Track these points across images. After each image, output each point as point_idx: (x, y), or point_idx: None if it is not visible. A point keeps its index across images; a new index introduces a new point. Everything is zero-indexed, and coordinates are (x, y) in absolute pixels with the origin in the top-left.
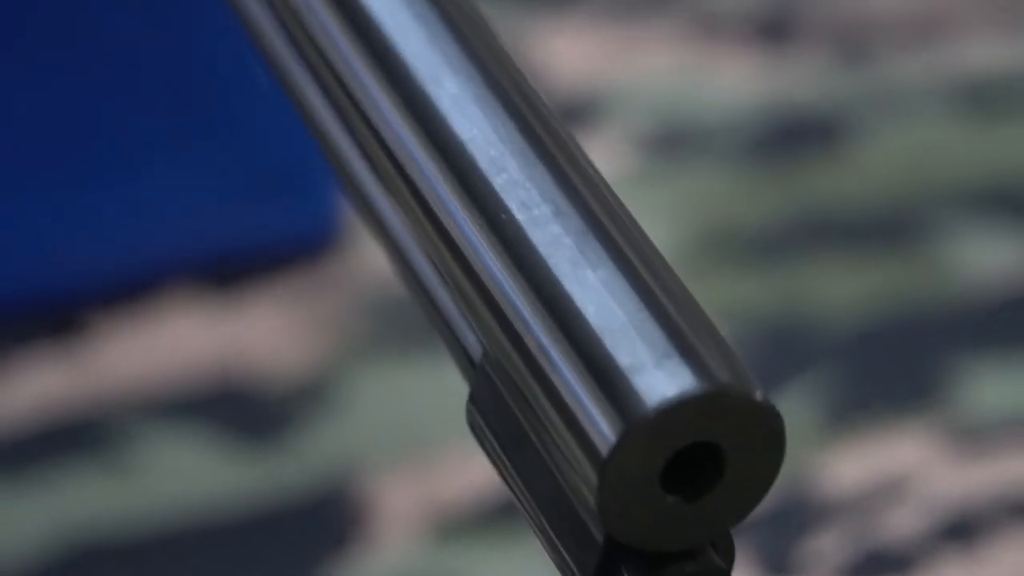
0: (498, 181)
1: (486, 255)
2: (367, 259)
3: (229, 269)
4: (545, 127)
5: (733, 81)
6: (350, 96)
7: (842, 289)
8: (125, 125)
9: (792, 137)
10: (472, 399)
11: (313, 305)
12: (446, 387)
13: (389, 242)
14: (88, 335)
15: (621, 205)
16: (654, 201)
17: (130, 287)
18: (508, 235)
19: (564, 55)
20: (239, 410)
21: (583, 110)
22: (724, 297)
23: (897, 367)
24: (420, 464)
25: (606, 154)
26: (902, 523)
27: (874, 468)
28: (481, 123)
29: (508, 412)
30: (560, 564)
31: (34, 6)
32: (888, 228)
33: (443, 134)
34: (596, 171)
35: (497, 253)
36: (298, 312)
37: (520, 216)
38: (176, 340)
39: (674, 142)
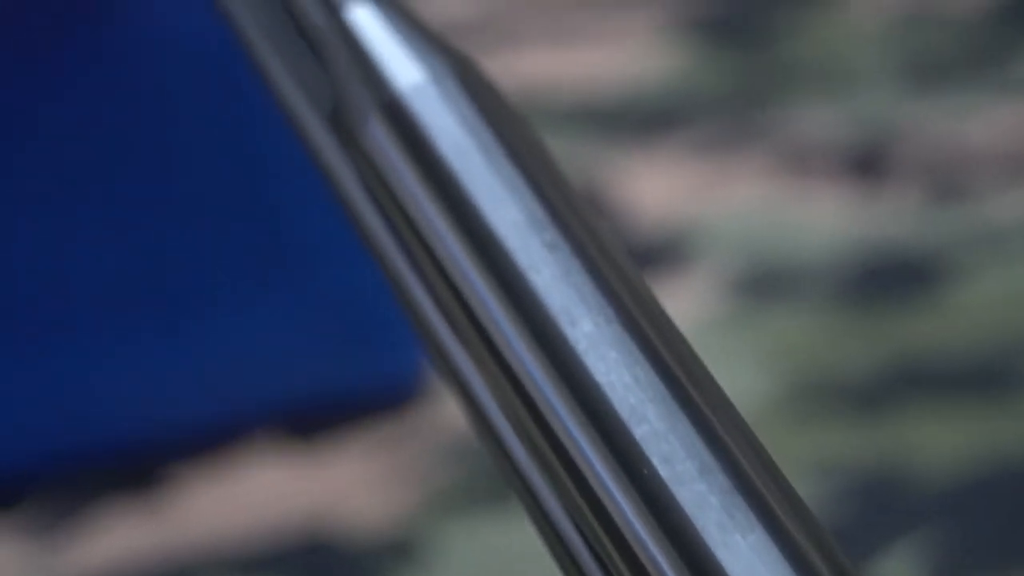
0: (639, 432)
1: (628, 512)
2: (452, 409)
3: (313, 419)
4: (686, 371)
5: (824, 218)
6: (477, 328)
7: (942, 441)
8: (209, 274)
9: (886, 278)
10: None
11: (399, 456)
12: (536, 542)
13: (520, 482)
14: (170, 487)
15: (768, 456)
16: (742, 346)
17: (213, 437)
18: (650, 492)
19: (650, 190)
20: (325, 566)
21: (669, 250)
22: (818, 450)
23: (1003, 524)
24: None
25: (693, 297)
26: None
27: None
28: (619, 368)
29: None
30: None
31: (118, 157)
32: (988, 376)
33: (579, 379)
34: (740, 418)
35: (639, 511)
36: (384, 463)
37: (663, 472)
38: (260, 492)
39: (763, 284)
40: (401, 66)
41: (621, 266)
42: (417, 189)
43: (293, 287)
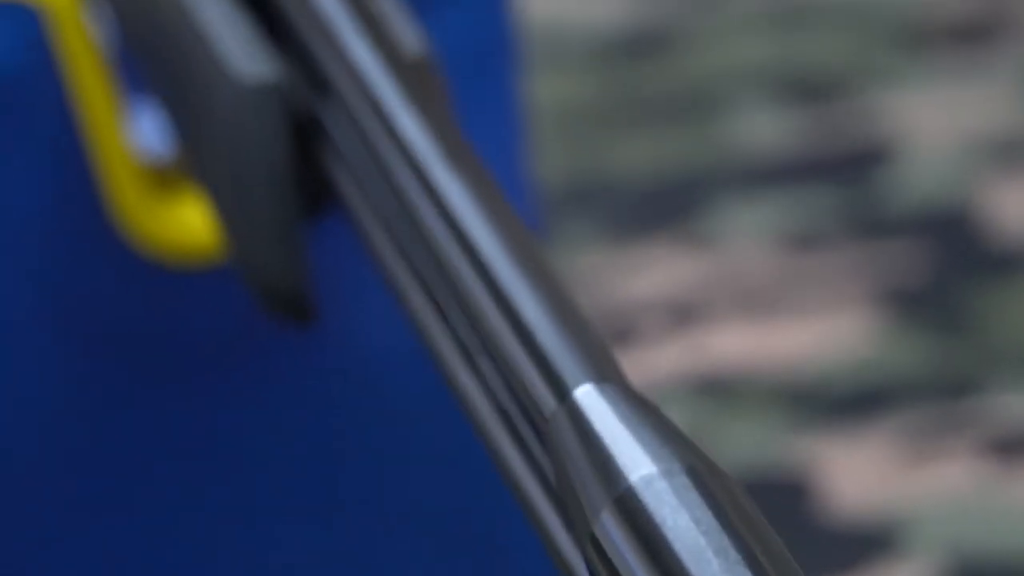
0: None
1: None
2: None
3: None
4: None
5: None
6: None
7: None
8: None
9: None
10: None
11: None
12: None
13: None
14: None
15: None
16: None
17: None
18: None
19: (852, 478)
20: None
21: (874, 541)
22: None
23: None
24: None
25: None
26: None
27: None
28: None
29: None
30: None
31: (327, 484)
32: None
33: None
34: None
35: None
36: None
37: None
38: None
39: None
40: (633, 458)
41: None
42: None
43: None
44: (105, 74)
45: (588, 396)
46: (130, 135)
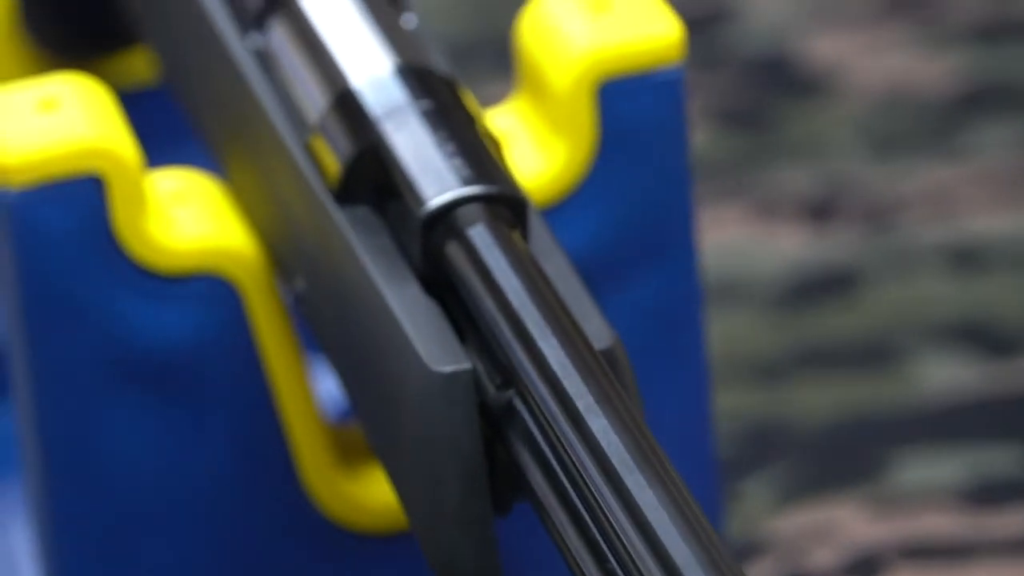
0: None
1: None
2: None
3: None
4: None
5: None
6: None
7: None
8: None
9: None
10: None
11: None
12: None
13: None
14: None
15: None
16: None
17: None
18: None
19: None
20: None
21: None
22: None
23: None
24: None
25: None
26: None
27: None
28: None
29: None
30: None
31: None
32: None
33: None
34: None
35: None
36: None
37: None
38: None
39: None
40: None
41: None
42: None
43: None
44: (293, 341)
45: None
46: (316, 399)
